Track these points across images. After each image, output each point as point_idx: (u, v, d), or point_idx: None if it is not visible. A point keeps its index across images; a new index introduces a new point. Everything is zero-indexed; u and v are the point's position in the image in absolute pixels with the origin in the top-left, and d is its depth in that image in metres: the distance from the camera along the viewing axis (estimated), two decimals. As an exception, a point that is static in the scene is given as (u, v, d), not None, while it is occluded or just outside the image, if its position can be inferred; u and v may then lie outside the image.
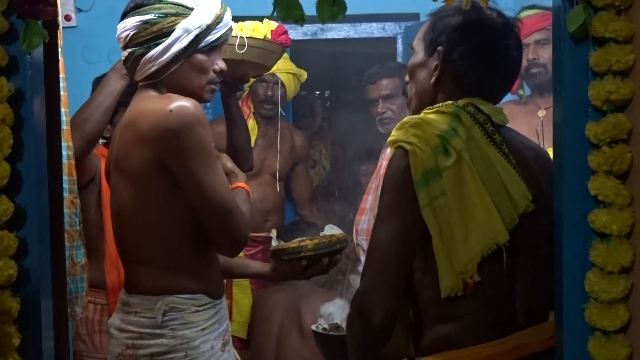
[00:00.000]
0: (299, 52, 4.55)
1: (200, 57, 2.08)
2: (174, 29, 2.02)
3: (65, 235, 2.17)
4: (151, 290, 2.04)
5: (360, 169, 4.54)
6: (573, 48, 1.69)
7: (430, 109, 1.93)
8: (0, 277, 1.71)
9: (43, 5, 1.69)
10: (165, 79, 2.08)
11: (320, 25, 4.47)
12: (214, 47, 2.09)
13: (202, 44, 2.06)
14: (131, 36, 2.04)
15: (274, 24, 2.71)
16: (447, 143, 1.83)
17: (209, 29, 2.05)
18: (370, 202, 3.59)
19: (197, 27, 2.03)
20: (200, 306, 2.06)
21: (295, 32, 4.51)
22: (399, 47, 4.56)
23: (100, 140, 2.96)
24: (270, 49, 2.66)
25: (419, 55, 1.98)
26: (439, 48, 1.91)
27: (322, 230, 3.60)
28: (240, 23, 2.58)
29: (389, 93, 3.66)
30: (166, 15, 2.02)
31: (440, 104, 1.92)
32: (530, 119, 3.05)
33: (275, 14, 1.74)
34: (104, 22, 4.28)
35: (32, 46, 1.69)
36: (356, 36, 4.55)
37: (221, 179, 1.99)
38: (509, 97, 3.31)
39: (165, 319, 2.01)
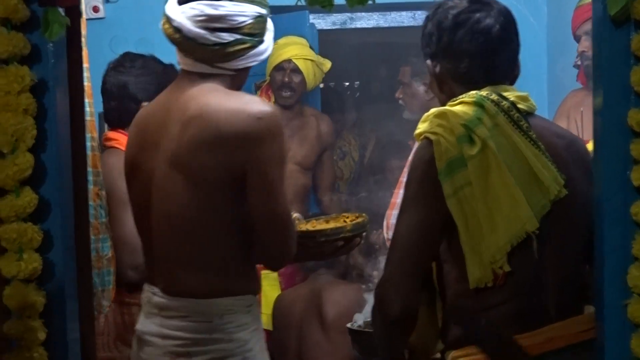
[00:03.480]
0: (328, 41, 4.50)
1: None
2: (267, 30, 2.00)
3: (90, 228, 2.12)
4: (202, 293, 1.93)
5: (390, 161, 4.48)
6: (614, 32, 1.62)
7: (454, 101, 1.91)
8: (25, 270, 1.68)
9: (65, -7, 1.65)
10: (244, 73, 2.03)
11: (349, 15, 4.41)
12: None
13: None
14: (248, 24, 1.93)
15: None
16: (471, 132, 1.82)
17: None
18: (400, 196, 3.53)
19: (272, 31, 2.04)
20: (249, 306, 2.00)
21: (324, 22, 4.47)
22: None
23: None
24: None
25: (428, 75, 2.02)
26: (428, 62, 1.94)
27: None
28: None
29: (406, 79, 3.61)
30: (269, 14, 1.99)
31: (463, 95, 1.89)
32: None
33: (302, 1, 1.70)
34: (132, 13, 4.26)
35: (53, 34, 1.66)
36: (386, 25, 4.48)
37: (285, 192, 1.95)
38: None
39: (221, 322, 1.94)
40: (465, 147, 1.80)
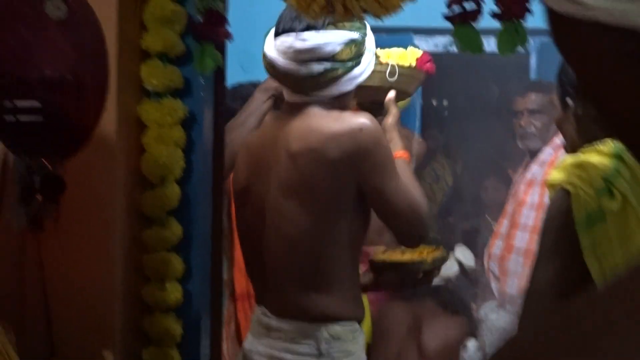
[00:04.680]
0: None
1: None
2: (365, 51, 1.98)
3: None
4: (312, 316, 1.98)
5: (484, 184, 4.42)
6: None
7: (589, 149, 1.86)
8: (168, 300, 1.71)
9: (218, 28, 1.67)
10: (348, 97, 2.02)
11: (452, 39, 4.38)
12: None
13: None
14: (337, 52, 1.93)
15: (418, 52, 2.66)
16: (611, 185, 1.76)
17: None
18: (505, 226, 3.47)
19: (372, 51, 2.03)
20: (354, 332, 2.01)
21: (426, 44, 4.45)
22: (533, 63, 4.41)
23: None
24: (415, 76, 2.62)
25: (558, 110, 1.96)
26: (568, 100, 1.88)
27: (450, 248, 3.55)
28: (386, 50, 2.53)
29: (536, 108, 3.50)
30: (364, 35, 1.96)
31: (599, 144, 1.85)
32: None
33: (455, 47, 1.69)
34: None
35: (206, 69, 1.68)
36: (489, 49, 4.42)
37: (404, 180, 1.95)
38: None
39: (328, 347, 1.96)
40: (605, 201, 1.75)
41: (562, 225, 1.80)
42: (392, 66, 2.44)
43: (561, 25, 0.70)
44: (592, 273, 1.74)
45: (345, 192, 1.90)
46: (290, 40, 1.90)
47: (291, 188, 1.92)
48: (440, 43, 4.43)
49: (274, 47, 1.93)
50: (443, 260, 2.28)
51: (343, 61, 1.92)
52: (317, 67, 1.92)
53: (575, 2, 0.64)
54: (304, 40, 1.90)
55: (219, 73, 1.80)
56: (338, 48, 1.91)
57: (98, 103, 1.53)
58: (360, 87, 2.17)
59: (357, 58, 1.95)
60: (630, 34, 0.61)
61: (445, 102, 6.34)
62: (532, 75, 4.38)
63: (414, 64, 2.51)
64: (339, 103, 1.99)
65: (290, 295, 1.98)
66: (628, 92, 0.66)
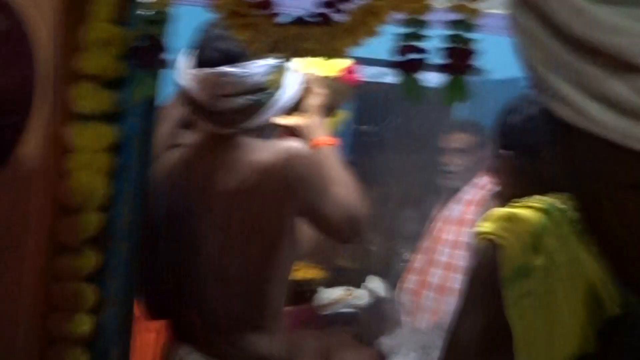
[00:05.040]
0: (363, 93, 4.50)
1: None
2: (288, 72, 1.93)
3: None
4: (250, 357, 1.91)
5: (402, 214, 4.45)
6: None
7: (519, 203, 1.88)
8: (75, 332, 1.62)
9: (156, 55, 1.60)
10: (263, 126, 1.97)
11: (379, 69, 4.39)
12: None
13: None
14: (262, 82, 1.86)
15: (345, 62, 2.49)
16: (538, 241, 1.78)
17: None
18: (419, 261, 3.49)
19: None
20: None
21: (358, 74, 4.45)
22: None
23: None
24: (338, 89, 2.45)
25: (493, 158, 1.98)
26: (504, 151, 1.90)
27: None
28: (309, 59, 2.45)
29: (460, 147, 3.54)
30: (281, 61, 1.91)
31: (529, 198, 1.87)
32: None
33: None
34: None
35: (140, 96, 1.61)
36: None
37: (337, 188, 1.88)
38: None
39: None
40: (531, 257, 1.77)
41: (488, 278, 1.80)
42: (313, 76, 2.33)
43: (569, 137, 0.68)
44: (512, 327, 1.75)
45: (285, 223, 1.87)
46: (209, 74, 1.81)
47: (230, 226, 1.86)
48: (370, 73, 4.44)
49: (190, 79, 1.85)
50: (314, 282, 2.26)
51: (266, 92, 1.86)
52: (240, 101, 1.84)
53: (582, 114, 0.62)
54: (224, 74, 1.81)
55: (152, 100, 1.73)
56: (262, 79, 1.84)
57: (20, 124, 1.44)
58: None
59: (280, 87, 1.90)
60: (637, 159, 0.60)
61: (376, 129, 6.38)
62: (455, 110, 4.43)
63: (335, 74, 2.37)
64: (267, 130, 1.95)
65: (230, 335, 1.90)
66: (629, 219, 0.65)
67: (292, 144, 1.90)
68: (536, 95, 0.70)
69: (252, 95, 1.84)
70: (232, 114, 1.86)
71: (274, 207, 1.86)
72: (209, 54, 1.84)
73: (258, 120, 1.90)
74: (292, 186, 1.85)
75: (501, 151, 1.93)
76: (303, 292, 2.32)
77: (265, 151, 1.88)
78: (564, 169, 0.77)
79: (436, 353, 2.46)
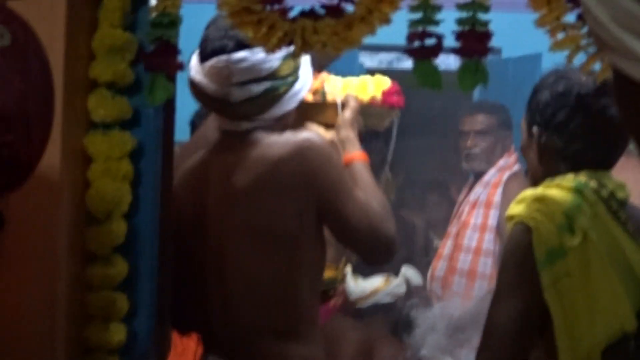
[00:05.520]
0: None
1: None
2: (301, 63, 1.85)
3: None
4: None
5: (428, 200, 4.43)
6: None
7: (550, 183, 1.84)
8: (110, 342, 1.63)
9: (171, 59, 1.60)
10: (289, 115, 1.90)
11: (396, 55, 4.37)
12: None
13: None
14: (277, 67, 1.79)
15: (385, 81, 2.29)
16: (572, 221, 1.75)
17: None
18: (448, 247, 3.47)
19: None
20: None
21: (371, 60, 4.43)
22: (476, 81, 4.42)
23: None
24: (380, 114, 2.26)
25: (523, 136, 1.93)
26: (534, 128, 1.86)
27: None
28: (346, 79, 2.22)
29: (483, 128, 3.49)
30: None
31: (560, 178, 1.83)
32: (635, 174, 2.90)
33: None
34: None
35: (157, 100, 1.60)
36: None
37: (361, 194, 1.80)
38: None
39: None
40: (566, 237, 1.73)
41: (522, 261, 1.78)
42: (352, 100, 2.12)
43: (630, 89, 0.68)
44: (551, 309, 1.73)
45: (306, 221, 1.78)
46: (223, 62, 1.74)
47: (251, 228, 1.78)
48: (385, 59, 4.42)
49: (202, 72, 1.77)
50: (334, 282, 2.21)
51: (283, 77, 1.79)
52: (257, 88, 1.76)
53: None
54: (238, 60, 1.74)
55: (169, 104, 1.72)
56: (277, 64, 1.77)
57: (42, 135, 1.45)
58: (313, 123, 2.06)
59: (296, 72, 1.83)
60: None
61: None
62: (476, 93, 4.40)
63: (379, 96, 2.20)
64: (281, 124, 1.86)
65: (259, 345, 1.83)
66: None
67: (307, 135, 1.80)
68: (605, 54, 0.69)
69: (269, 82, 1.77)
70: (248, 104, 1.78)
71: (292, 206, 1.76)
72: (218, 41, 1.76)
73: (277, 110, 1.82)
74: (307, 180, 1.75)
75: (532, 129, 1.89)
76: (325, 292, 2.27)
77: (279, 146, 1.78)
78: (632, 131, 0.75)
79: (472, 339, 2.45)
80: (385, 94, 2.21)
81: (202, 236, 1.84)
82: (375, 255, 1.84)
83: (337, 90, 2.12)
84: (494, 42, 4.42)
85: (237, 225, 1.79)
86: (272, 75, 1.78)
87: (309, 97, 2.06)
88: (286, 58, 1.78)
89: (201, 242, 1.85)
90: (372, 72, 4.35)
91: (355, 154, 1.95)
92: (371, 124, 2.24)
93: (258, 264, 1.81)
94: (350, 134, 1.99)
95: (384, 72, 4.53)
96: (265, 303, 1.82)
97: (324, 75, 2.18)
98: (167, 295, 1.81)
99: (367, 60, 4.39)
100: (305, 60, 1.89)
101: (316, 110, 2.09)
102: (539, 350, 1.80)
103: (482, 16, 1.61)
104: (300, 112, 2.00)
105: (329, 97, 2.10)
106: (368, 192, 1.83)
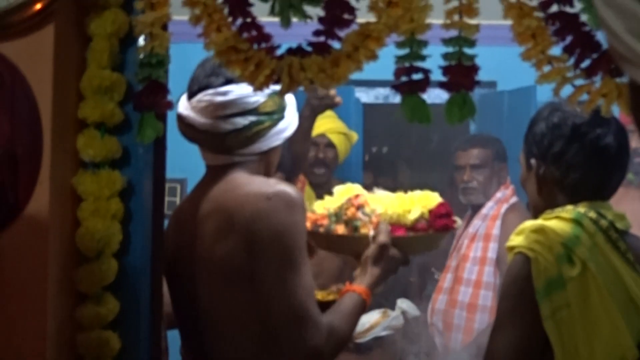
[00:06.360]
0: (371, 115, 4.51)
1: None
2: (287, 104, 1.86)
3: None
4: None
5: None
6: None
7: (549, 214, 1.85)
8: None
9: (159, 98, 1.61)
10: (275, 153, 1.89)
11: (392, 90, 4.39)
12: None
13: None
14: (262, 103, 1.81)
15: (432, 199, 1.98)
16: (571, 252, 1.76)
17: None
18: (449, 281, 3.46)
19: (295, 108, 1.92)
20: None
21: (367, 96, 4.46)
22: (473, 114, 4.44)
23: None
24: (426, 240, 1.95)
25: (522, 169, 1.95)
26: (532, 160, 1.88)
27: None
28: (379, 194, 2.01)
29: (478, 163, 3.50)
30: None
31: (560, 209, 1.84)
32: (632, 205, 2.90)
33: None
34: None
35: (147, 139, 1.61)
36: (429, 101, 4.44)
37: (305, 280, 1.70)
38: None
39: None
40: (565, 268, 1.74)
41: (522, 292, 1.78)
42: (385, 227, 1.87)
43: None
44: (551, 340, 1.72)
45: (249, 262, 1.72)
46: (210, 96, 1.78)
47: (206, 259, 1.76)
48: (381, 95, 4.45)
49: (190, 107, 1.80)
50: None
51: (269, 113, 1.81)
52: (242, 121, 1.78)
53: None
54: (225, 93, 1.78)
55: (160, 141, 1.73)
56: (262, 99, 1.80)
57: (31, 176, 1.45)
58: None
59: (281, 111, 1.85)
60: None
61: (384, 150, 6.37)
62: (472, 125, 4.42)
63: (426, 213, 1.93)
64: (265, 164, 1.86)
65: None
66: None
67: (280, 189, 1.74)
68: (622, 66, 0.70)
69: (254, 116, 1.80)
70: (233, 137, 1.80)
71: (244, 249, 1.71)
72: (205, 78, 1.80)
73: (261, 146, 1.83)
74: (255, 219, 1.69)
75: (530, 161, 1.91)
76: None
77: (249, 189, 1.75)
78: None
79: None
80: (433, 215, 1.93)
81: (180, 274, 1.85)
82: (288, 342, 1.72)
83: (375, 213, 1.90)
84: (489, 76, 4.46)
85: (203, 263, 1.78)
86: (257, 109, 1.80)
87: (341, 229, 1.90)
88: (272, 95, 1.81)
89: (180, 280, 1.86)
90: (368, 106, 4.40)
91: (358, 288, 1.84)
92: (416, 252, 2.02)
93: (219, 304, 1.79)
94: (367, 269, 1.86)
95: (380, 106, 4.59)
96: (232, 340, 1.79)
97: (364, 196, 1.97)
98: (159, 333, 1.81)
99: (364, 95, 4.43)
100: (291, 102, 1.90)
101: (347, 243, 1.92)
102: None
103: (468, 50, 1.61)
104: (329, 243, 1.94)
105: (362, 229, 1.90)
106: (334, 315, 1.76)
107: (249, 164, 1.85)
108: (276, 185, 1.76)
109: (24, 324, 1.59)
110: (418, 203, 1.93)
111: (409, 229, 1.89)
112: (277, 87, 1.75)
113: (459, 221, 2.01)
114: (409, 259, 1.91)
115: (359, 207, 1.92)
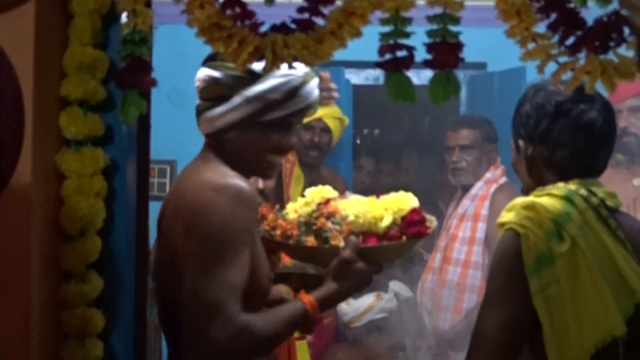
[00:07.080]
0: (361, 96, 4.49)
1: (266, 130, 1.82)
2: (235, 95, 1.79)
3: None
4: None
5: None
6: None
7: (540, 192, 1.85)
8: (88, 358, 1.62)
9: (143, 75, 1.60)
10: (229, 142, 1.81)
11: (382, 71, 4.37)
12: (288, 122, 1.84)
13: (268, 118, 1.81)
14: (200, 88, 1.82)
15: (406, 202, 1.93)
16: (561, 228, 1.76)
17: (277, 103, 1.79)
18: (438, 260, 3.47)
19: (259, 99, 1.79)
20: None
21: (357, 77, 4.45)
22: (463, 96, 4.44)
23: None
24: (396, 249, 1.90)
25: (513, 153, 1.95)
26: (520, 142, 1.89)
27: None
28: (353, 199, 1.96)
29: (468, 143, 3.49)
30: (233, 77, 1.79)
31: (551, 186, 1.84)
32: (623, 186, 2.90)
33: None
34: (165, 61, 4.21)
35: (130, 118, 1.60)
36: (419, 83, 4.42)
37: (229, 277, 1.62)
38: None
39: None
40: (554, 244, 1.75)
41: (511, 268, 1.78)
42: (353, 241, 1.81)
43: None
44: (540, 316, 1.73)
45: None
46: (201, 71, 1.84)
47: (163, 239, 1.73)
48: (371, 76, 4.43)
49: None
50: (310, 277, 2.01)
51: (205, 99, 1.80)
52: (196, 101, 1.83)
53: None
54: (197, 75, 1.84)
55: (145, 120, 1.73)
56: (200, 85, 1.80)
57: (13, 154, 1.45)
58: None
59: (218, 100, 1.79)
60: None
61: (376, 132, 6.37)
62: (463, 107, 4.42)
63: (398, 220, 1.87)
64: (232, 148, 1.80)
65: None
66: None
67: (227, 182, 1.69)
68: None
69: (198, 99, 1.83)
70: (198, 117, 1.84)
71: (180, 226, 1.66)
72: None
73: (204, 127, 1.80)
74: (198, 208, 1.65)
75: (518, 143, 1.91)
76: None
77: (197, 178, 1.72)
78: None
79: (461, 353, 2.45)
80: (406, 222, 1.88)
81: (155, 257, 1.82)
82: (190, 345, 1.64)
83: (346, 221, 1.86)
84: (479, 57, 4.42)
85: (159, 246, 1.75)
86: (198, 93, 1.82)
87: (311, 240, 1.86)
88: (208, 82, 1.80)
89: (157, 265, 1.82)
90: (358, 88, 4.38)
91: (306, 298, 1.78)
92: (389, 260, 1.94)
93: (166, 286, 1.73)
94: (325, 283, 1.81)
95: (370, 88, 4.57)
96: (173, 326, 1.71)
97: (338, 202, 1.93)
98: (144, 310, 1.81)
99: (354, 77, 4.41)
100: (255, 97, 1.80)
101: (317, 255, 1.87)
102: (528, 357, 1.80)
103: (452, 28, 1.61)
104: (300, 255, 1.91)
105: (333, 240, 1.84)
106: (261, 315, 1.70)
107: (218, 147, 1.81)
108: (229, 178, 1.72)
109: (7, 301, 1.59)
110: (390, 207, 1.87)
111: (381, 237, 1.83)
112: (215, 74, 1.75)
113: (434, 221, 1.97)
114: (382, 268, 1.86)
115: (329, 216, 1.87)
